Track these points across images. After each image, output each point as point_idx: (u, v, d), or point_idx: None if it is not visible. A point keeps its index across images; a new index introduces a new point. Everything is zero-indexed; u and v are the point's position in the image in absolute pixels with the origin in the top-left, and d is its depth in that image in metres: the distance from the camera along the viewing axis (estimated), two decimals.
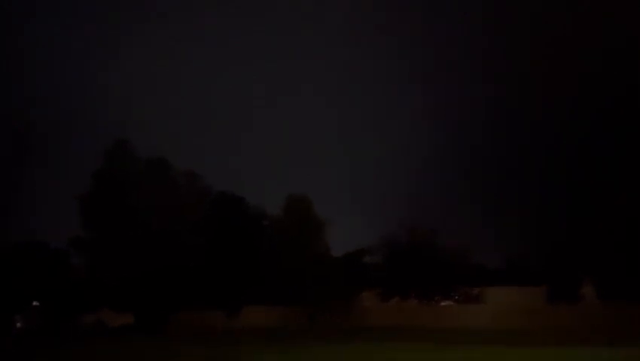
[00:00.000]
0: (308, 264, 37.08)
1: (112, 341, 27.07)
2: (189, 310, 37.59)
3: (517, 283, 41.21)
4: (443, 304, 37.57)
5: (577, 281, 39.65)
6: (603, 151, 28.79)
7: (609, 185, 30.63)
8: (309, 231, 39.01)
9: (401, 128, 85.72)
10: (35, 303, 40.19)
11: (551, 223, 35.81)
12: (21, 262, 38.08)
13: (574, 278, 39.64)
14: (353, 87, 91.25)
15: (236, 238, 38.20)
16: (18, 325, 39.42)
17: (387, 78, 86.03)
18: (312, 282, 36.62)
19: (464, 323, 32.86)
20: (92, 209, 36.24)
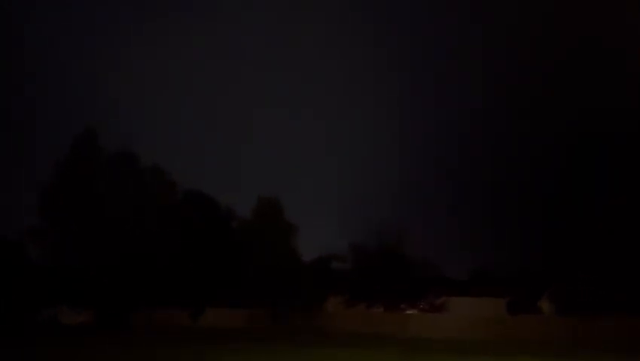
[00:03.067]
0: (275, 267, 36.76)
1: (64, 340, 25.70)
2: (152, 309, 36.48)
3: (480, 294, 42.24)
4: (408, 312, 37.95)
5: (537, 295, 41.06)
6: (570, 164, 29.93)
7: (571, 203, 31.72)
8: (279, 234, 38.74)
9: (372, 135, 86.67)
10: None
11: (514, 238, 36.82)
12: None
13: (534, 292, 41.03)
14: (324, 93, 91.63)
15: (203, 237, 37.45)
16: None
17: (358, 85, 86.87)
18: (278, 285, 36.31)
19: (428, 331, 33.28)
20: (53, 199, 34.76)
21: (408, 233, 38.89)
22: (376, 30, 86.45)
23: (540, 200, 33.06)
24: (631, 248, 27.79)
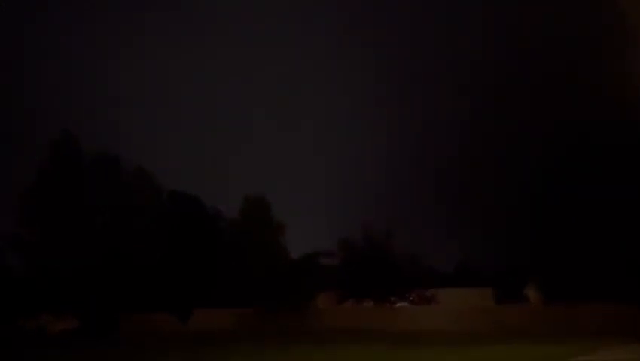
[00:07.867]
0: (264, 266, 36.58)
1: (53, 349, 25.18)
2: (140, 313, 35.98)
3: (467, 285, 42.75)
4: (398, 305, 38.15)
5: (522, 283, 41.66)
6: (555, 157, 30.36)
7: (557, 192, 32.15)
8: (266, 232, 38.53)
9: (359, 131, 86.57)
10: None
11: (500, 227, 37.22)
12: None
13: (520, 280, 41.62)
14: (312, 92, 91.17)
15: (190, 239, 37.05)
16: None
17: (347, 80, 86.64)
18: (267, 284, 36.14)
19: (419, 324, 33.53)
20: (34, 204, 34.02)
21: (395, 227, 39.06)
22: (365, 31, 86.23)
23: (524, 191, 33.49)
24: (615, 237, 28.38)
